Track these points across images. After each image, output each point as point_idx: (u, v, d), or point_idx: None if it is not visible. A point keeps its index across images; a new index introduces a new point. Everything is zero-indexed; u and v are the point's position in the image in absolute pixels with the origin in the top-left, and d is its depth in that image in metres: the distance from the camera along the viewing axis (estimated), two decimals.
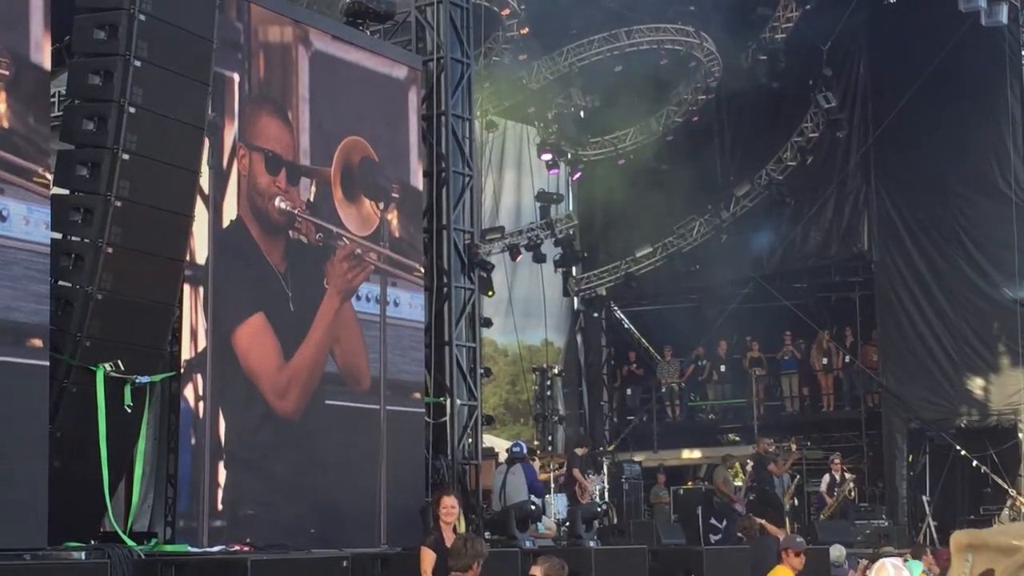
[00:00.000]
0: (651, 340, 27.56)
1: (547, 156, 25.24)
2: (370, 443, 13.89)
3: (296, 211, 13.18)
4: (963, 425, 22.65)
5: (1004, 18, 20.47)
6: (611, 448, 26.11)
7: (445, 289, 15.61)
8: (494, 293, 22.19)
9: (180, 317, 11.64)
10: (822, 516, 20.54)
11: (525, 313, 25.77)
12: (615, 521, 20.62)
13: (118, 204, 10.43)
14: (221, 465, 12.10)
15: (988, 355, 22.59)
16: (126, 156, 10.45)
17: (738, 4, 22.26)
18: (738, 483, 20.58)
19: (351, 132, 14.13)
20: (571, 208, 27.09)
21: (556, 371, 25.58)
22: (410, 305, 14.70)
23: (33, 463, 9.70)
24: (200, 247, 11.96)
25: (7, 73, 9.76)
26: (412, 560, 10.61)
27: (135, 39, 10.48)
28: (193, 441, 11.88)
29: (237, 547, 11.45)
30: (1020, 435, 22.03)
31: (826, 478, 21.26)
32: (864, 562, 14.88)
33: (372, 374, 14.04)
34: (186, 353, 11.83)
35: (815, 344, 25.28)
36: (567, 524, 16.90)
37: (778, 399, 25.69)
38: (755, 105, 24.91)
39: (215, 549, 11.45)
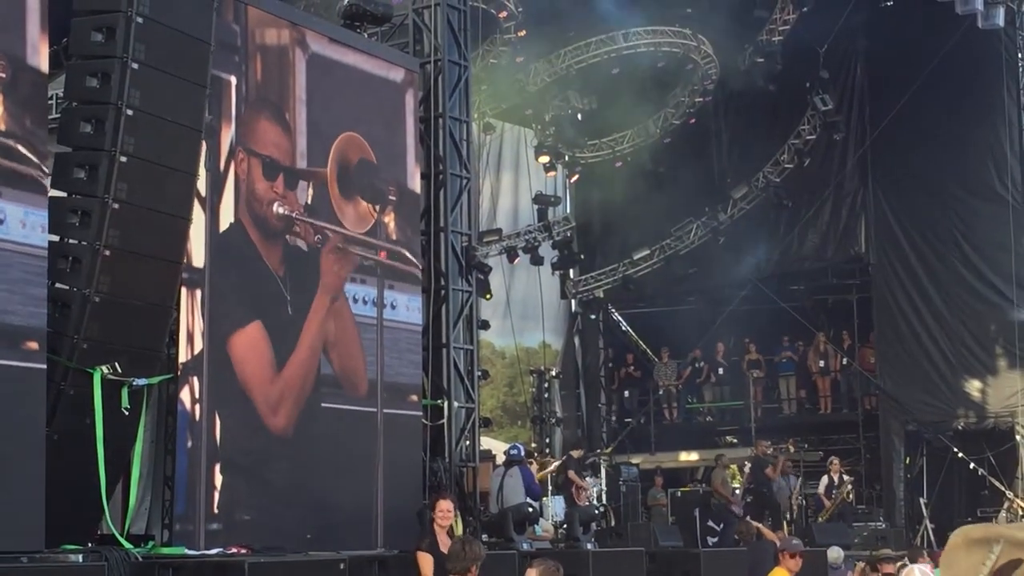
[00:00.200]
0: (649, 342, 27.57)
1: (545, 158, 25.21)
2: (367, 446, 13.88)
3: (294, 215, 13.18)
4: (960, 427, 22.66)
5: (1001, 21, 20.50)
6: (609, 450, 26.09)
7: (442, 291, 15.60)
8: (492, 295, 22.18)
9: (177, 320, 11.64)
10: (820, 518, 20.55)
11: (523, 315, 25.76)
12: (612, 523, 20.64)
13: (115, 206, 10.42)
14: (217, 468, 12.09)
15: (985, 357, 22.60)
16: (123, 158, 10.44)
17: (735, 6, 22.25)
18: (736, 485, 20.58)
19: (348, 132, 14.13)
20: (569, 210, 27.10)
21: (554, 373, 25.54)
22: (407, 308, 14.69)
23: (30, 465, 9.69)
24: (197, 250, 11.94)
25: (4, 76, 9.75)
26: (409, 563, 10.60)
27: (132, 42, 10.47)
28: (189, 444, 11.87)
29: (234, 550, 11.46)
30: (1017, 437, 22.03)
31: (824, 480, 21.28)
32: (861, 564, 14.87)
33: (369, 377, 14.02)
34: (183, 356, 11.83)
35: (812, 346, 25.28)
36: (565, 526, 16.91)
37: (775, 401, 25.71)
38: (752, 107, 24.89)
39: (213, 552, 11.44)
